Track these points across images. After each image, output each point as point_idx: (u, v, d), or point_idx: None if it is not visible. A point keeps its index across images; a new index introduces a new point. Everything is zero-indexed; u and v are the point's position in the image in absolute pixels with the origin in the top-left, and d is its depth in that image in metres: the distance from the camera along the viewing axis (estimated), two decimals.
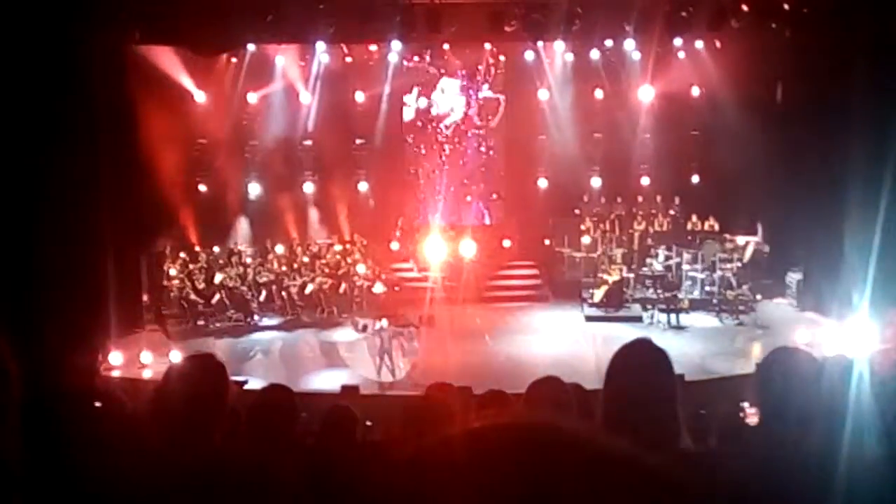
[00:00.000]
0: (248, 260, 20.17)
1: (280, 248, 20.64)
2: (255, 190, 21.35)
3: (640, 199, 22.09)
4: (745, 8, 17.09)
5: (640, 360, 3.06)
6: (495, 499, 0.92)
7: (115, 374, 15.24)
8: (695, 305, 19.38)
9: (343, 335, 18.32)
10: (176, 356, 13.74)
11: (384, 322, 16.38)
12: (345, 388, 13.12)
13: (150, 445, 3.32)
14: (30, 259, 14.39)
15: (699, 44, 19.70)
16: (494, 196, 22.64)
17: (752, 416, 7.14)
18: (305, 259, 20.31)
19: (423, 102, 22.38)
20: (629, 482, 0.97)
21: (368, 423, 8.72)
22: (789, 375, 3.11)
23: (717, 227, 20.66)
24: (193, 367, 3.45)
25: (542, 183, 22.39)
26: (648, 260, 20.39)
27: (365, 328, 16.75)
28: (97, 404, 4.12)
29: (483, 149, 22.73)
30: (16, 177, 14.46)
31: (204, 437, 3.27)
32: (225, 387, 3.43)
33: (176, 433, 3.24)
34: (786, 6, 17.05)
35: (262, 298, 19.38)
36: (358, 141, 21.85)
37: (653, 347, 3.11)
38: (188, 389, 3.32)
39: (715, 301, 19.36)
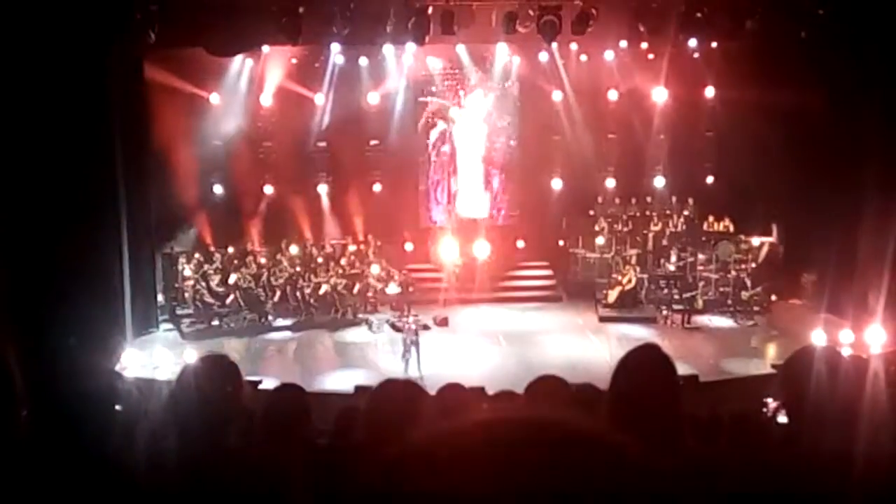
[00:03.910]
0: (263, 260, 20.21)
1: (294, 249, 20.66)
2: (269, 191, 21.40)
3: (648, 199, 21.98)
4: (759, 9, 17.05)
5: (644, 366, 3.10)
6: (504, 494, 0.93)
7: (130, 373, 15.28)
8: (709, 306, 19.34)
9: (357, 335, 18.38)
10: (190, 356, 13.80)
11: (410, 319, 16.50)
12: (358, 388, 13.12)
13: (165, 445, 3.33)
14: (46, 259, 14.47)
15: (714, 44, 19.64)
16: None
17: (774, 410, 7.13)
18: (320, 260, 20.34)
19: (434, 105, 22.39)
20: (632, 477, 0.97)
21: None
22: (813, 374, 3.12)
23: (731, 228, 20.58)
24: (207, 368, 3.47)
25: (557, 183, 22.35)
26: (662, 261, 20.34)
27: (395, 326, 16.83)
28: (114, 404, 4.14)
29: (498, 145, 22.68)
30: (33, 178, 14.55)
31: (218, 437, 3.29)
32: (238, 387, 3.45)
33: (190, 433, 3.26)
34: (801, 7, 17.00)
35: (276, 299, 19.41)
36: (372, 142, 21.86)
37: (658, 353, 3.14)
38: (202, 390, 3.33)
39: (729, 302, 19.31)
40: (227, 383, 3.39)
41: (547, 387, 4.42)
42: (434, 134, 22.50)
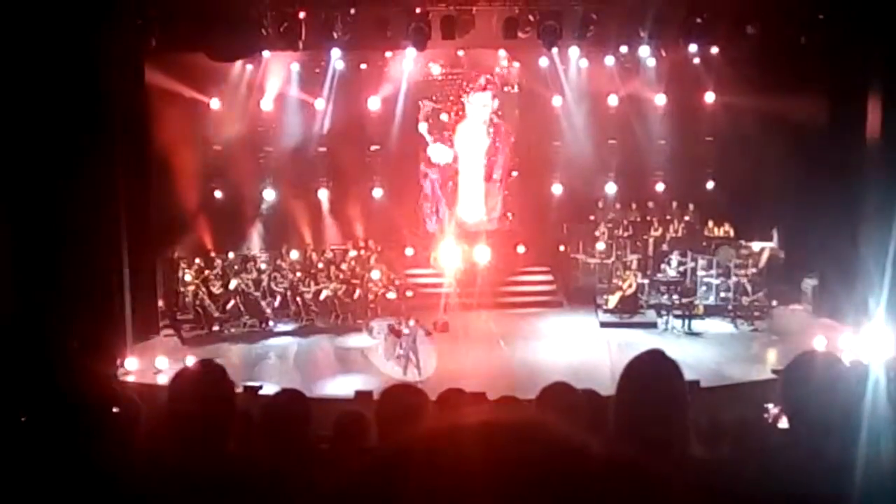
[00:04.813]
0: (263, 266, 20.20)
1: (295, 254, 20.65)
2: (269, 196, 21.39)
3: (650, 204, 21.99)
4: (760, 14, 17.06)
5: (651, 371, 3.09)
6: (496, 498, 0.93)
7: (131, 379, 15.28)
8: (710, 311, 19.31)
9: (358, 341, 18.36)
10: (191, 362, 13.78)
11: (411, 324, 16.52)
12: (359, 393, 13.12)
13: (164, 450, 3.33)
14: (47, 265, 14.48)
15: (714, 50, 19.66)
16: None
17: (775, 416, 7.12)
18: (320, 265, 20.33)
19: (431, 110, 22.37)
20: (629, 485, 0.97)
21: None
22: (814, 380, 3.11)
23: (732, 233, 20.58)
24: (195, 373, 3.47)
25: (557, 189, 22.33)
26: (663, 266, 20.32)
27: (393, 329, 16.85)
28: (115, 409, 4.14)
29: (498, 144, 22.65)
30: (33, 183, 14.56)
31: (214, 442, 3.28)
32: (229, 390, 3.44)
33: (184, 439, 3.25)
34: (801, 12, 17.01)
35: (276, 304, 19.41)
36: (373, 147, 21.86)
37: (664, 358, 3.13)
38: (192, 395, 3.33)
39: (730, 307, 19.28)
40: (217, 387, 3.38)
41: (557, 394, 4.42)
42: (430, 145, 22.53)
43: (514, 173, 22.63)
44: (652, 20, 17.34)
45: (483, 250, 20.89)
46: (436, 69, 21.83)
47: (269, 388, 12.60)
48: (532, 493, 0.94)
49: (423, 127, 22.25)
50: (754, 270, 19.60)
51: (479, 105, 22.34)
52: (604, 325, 19.12)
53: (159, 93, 18.49)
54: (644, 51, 19.99)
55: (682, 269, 20.07)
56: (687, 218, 21.57)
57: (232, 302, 19.01)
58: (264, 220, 21.44)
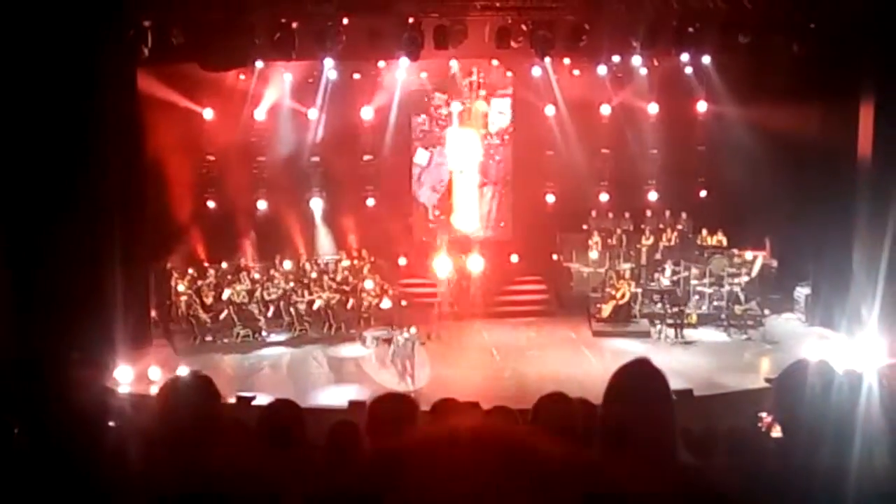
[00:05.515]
0: (257, 276, 20.18)
1: (288, 264, 20.65)
2: (263, 206, 21.37)
3: (648, 213, 22.07)
4: (752, 23, 17.12)
5: (636, 380, 3.09)
6: None
7: (124, 389, 15.23)
8: (703, 320, 19.35)
9: (351, 351, 18.34)
10: (184, 372, 13.74)
11: (406, 333, 16.52)
12: (352, 403, 13.10)
13: (156, 461, 3.32)
14: (39, 275, 14.44)
15: (706, 59, 19.71)
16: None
17: (769, 424, 7.13)
18: (314, 275, 20.31)
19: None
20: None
21: None
22: (807, 388, 3.12)
23: (725, 242, 20.60)
24: (181, 385, 3.48)
25: (550, 198, 22.38)
26: (656, 275, 20.35)
27: (388, 341, 16.86)
28: (111, 423, 4.14)
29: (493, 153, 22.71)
30: (25, 193, 14.53)
31: (204, 451, 3.27)
32: (214, 401, 3.43)
33: (176, 449, 3.25)
34: (793, 21, 17.08)
35: (269, 314, 19.38)
36: (365, 157, 21.88)
37: (650, 366, 3.13)
38: (178, 407, 3.33)
39: (723, 316, 19.31)
40: (202, 398, 3.38)
41: (553, 403, 4.43)
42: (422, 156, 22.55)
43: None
44: (644, 30, 17.39)
45: (476, 260, 20.90)
46: (431, 78, 21.87)
47: (262, 399, 12.56)
48: (516, 500, 0.94)
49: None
50: (747, 279, 19.64)
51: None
52: (597, 334, 19.13)
53: (152, 103, 18.46)
54: (636, 60, 20.02)
55: (675, 278, 20.10)
56: (680, 227, 21.62)
57: (225, 312, 18.98)
58: (257, 229, 21.40)
